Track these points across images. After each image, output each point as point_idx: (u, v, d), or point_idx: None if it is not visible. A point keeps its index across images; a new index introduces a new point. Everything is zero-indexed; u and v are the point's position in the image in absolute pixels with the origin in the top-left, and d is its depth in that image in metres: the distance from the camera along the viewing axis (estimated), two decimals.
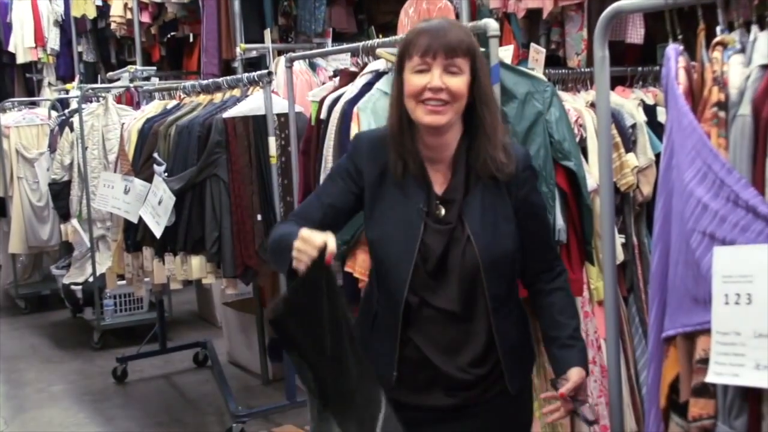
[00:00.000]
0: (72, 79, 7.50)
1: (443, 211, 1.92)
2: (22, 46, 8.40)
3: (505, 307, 1.96)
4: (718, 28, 1.69)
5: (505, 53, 2.76)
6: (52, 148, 6.15)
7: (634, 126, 3.15)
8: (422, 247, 1.89)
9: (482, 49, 2.65)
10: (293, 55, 3.67)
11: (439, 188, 1.94)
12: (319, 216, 1.94)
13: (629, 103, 3.26)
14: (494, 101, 1.93)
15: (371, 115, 2.74)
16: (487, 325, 1.93)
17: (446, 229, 1.90)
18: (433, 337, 1.92)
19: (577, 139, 2.87)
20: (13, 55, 8.67)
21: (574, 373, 1.92)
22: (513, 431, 2.08)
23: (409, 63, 1.86)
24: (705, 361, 1.50)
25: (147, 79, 5.58)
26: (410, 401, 1.96)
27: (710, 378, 1.48)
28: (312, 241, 1.66)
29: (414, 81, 1.85)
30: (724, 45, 1.63)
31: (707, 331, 1.50)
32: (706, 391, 1.53)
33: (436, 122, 1.85)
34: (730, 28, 1.69)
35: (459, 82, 1.83)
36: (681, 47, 1.68)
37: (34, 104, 7.65)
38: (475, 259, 1.87)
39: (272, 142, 3.73)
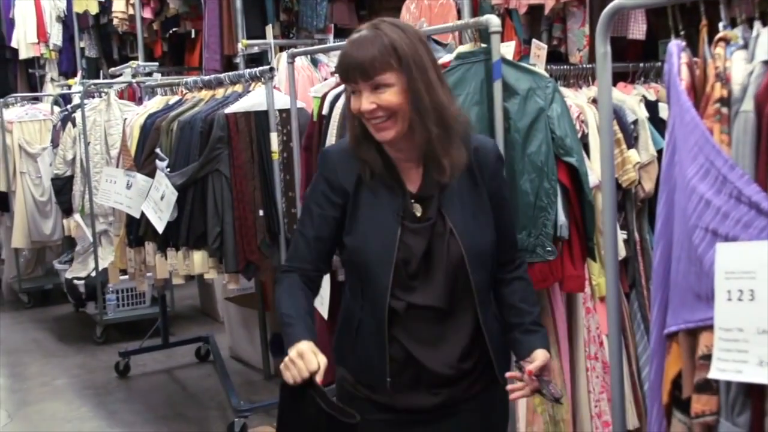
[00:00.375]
0: (74, 75, 7.51)
1: (420, 210, 1.90)
2: (24, 41, 8.40)
3: (487, 297, 1.96)
4: (721, 24, 1.68)
5: (507, 49, 2.75)
6: (55, 143, 6.16)
7: (635, 122, 3.14)
8: (402, 248, 1.87)
9: (482, 45, 2.66)
10: (295, 51, 3.67)
11: (413, 187, 1.92)
12: (312, 254, 1.95)
13: (631, 99, 3.25)
14: (427, 105, 1.81)
15: None
16: (472, 319, 1.92)
17: (425, 227, 1.88)
18: (419, 335, 1.90)
19: (579, 135, 2.86)
20: (15, 51, 8.67)
21: (540, 354, 1.90)
22: (493, 427, 2.07)
23: (346, 85, 1.86)
24: (708, 358, 1.49)
25: (149, 74, 5.57)
26: (395, 403, 1.95)
27: (713, 374, 1.47)
28: (307, 362, 1.72)
29: (352, 104, 1.83)
30: (726, 41, 1.62)
31: (710, 328, 1.49)
32: (708, 387, 1.52)
33: (384, 138, 1.83)
34: (733, 24, 1.68)
35: (389, 97, 1.78)
36: (683, 43, 1.67)
37: (36, 99, 7.65)
38: (460, 252, 1.86)
39: (274, 137, 3.73)
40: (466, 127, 1.93)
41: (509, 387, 1.86)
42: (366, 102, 1.79)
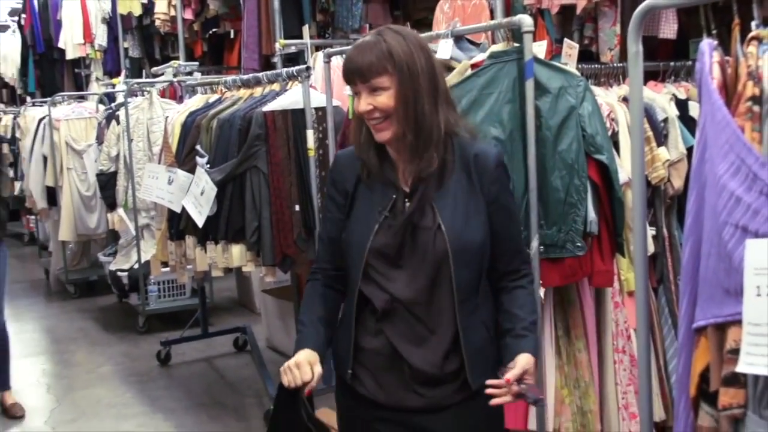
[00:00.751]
0: (118, 74, 7.59)
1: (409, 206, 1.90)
2: (71, 42, 8.51)
3: (471, 300, 1.91)
4: (753, 23, 1.66)
5: (539, 48, 2.74)
6: (100, 140, 6.23)
7: (665, 120, 3.11)
8: (376, 240, 1.89)
9: (515, 44, 2.65)
10: (331, 50, 3.67)
11: (408, 185, 1.93)
12: (328, 255, 2.04)
13: (661, 97, 3.21)
14: (410, 112, 1.84)
15: None
16: (453, 318, 1.89)
17: (403, 222, 1.88)
18: (403, 332, 1.90)
19: (609, 133, 2.84)
20: (62, 51, 8.79)
21: (521, 359, 1.85)
22: None
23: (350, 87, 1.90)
24: (736, 352, 1.48)
25: (189, 74, 5.62)
26: (381, 399, 1.95)
27: (741, 368, 1.46)
28: (303, 373, 1.87)
29: (354, 105, 1.89)
30: (759, 40, 1.60)
31: (738, 323, 1.48)
32: (736, 380, 1.51)
33: (381, 138, 1.87)
34: (766, 23, 1.66)
35: (384, 99, 1.82)
36: (715, 42, 1.66)
37: (82, 98, 7.75)
38: (445, 246, 1.85)
39: (310, 135, 3.74)
40: (470, 135, 1.94)
41: (488, 391, 1.81)
42: (363, 103, 1.84)
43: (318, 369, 1.89)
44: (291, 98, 3.86)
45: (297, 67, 3.93)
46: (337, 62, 4.37)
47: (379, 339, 1.92)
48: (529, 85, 2.56)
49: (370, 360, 1.95)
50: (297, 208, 3.87)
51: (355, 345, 1.96)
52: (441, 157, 1.89)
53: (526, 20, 2.58)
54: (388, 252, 1.89)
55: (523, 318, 1.93)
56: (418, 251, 1.88)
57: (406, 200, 1.91)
